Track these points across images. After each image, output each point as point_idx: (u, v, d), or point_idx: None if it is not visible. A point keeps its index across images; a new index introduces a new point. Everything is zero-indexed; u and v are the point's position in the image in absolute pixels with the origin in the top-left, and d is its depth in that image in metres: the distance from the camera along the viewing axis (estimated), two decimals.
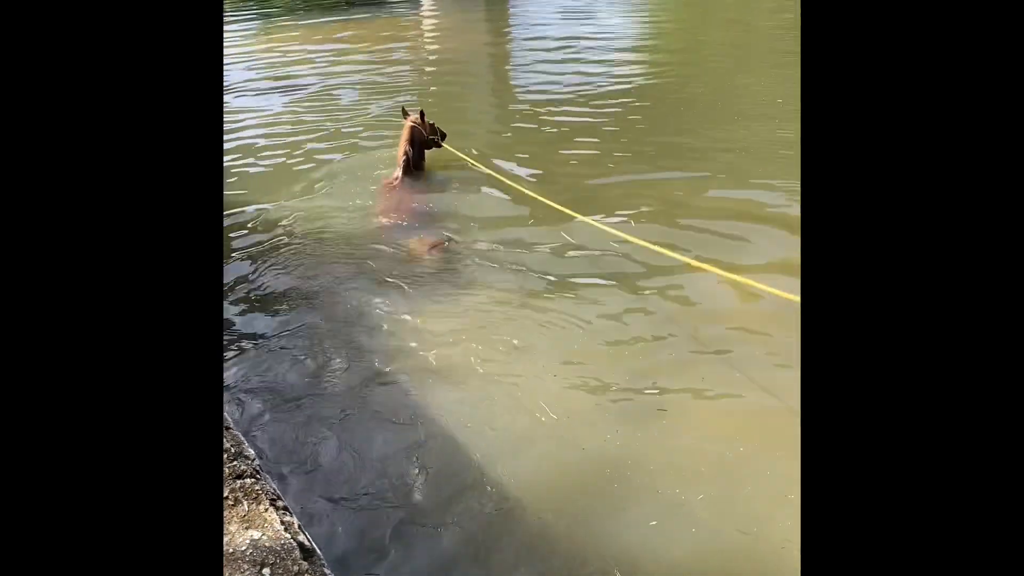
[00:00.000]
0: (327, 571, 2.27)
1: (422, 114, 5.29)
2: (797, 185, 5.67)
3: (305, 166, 6.20)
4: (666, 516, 2.67)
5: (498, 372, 3.50)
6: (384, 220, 4.90)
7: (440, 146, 5.41)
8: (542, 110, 7.72)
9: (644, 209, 5.04)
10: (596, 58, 9.99)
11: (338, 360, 3.63)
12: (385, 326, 3.89)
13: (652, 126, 7.05)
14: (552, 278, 4.15)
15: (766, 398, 3.19)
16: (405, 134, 5.16)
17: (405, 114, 5.30)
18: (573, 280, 4.13)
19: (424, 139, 5.24)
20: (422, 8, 15.81)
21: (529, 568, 2.50)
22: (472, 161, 5.35)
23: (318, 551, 2.40)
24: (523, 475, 2.87)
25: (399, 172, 5.09)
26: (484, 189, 5.35)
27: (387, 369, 3.55)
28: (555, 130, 7.01)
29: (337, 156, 6.37)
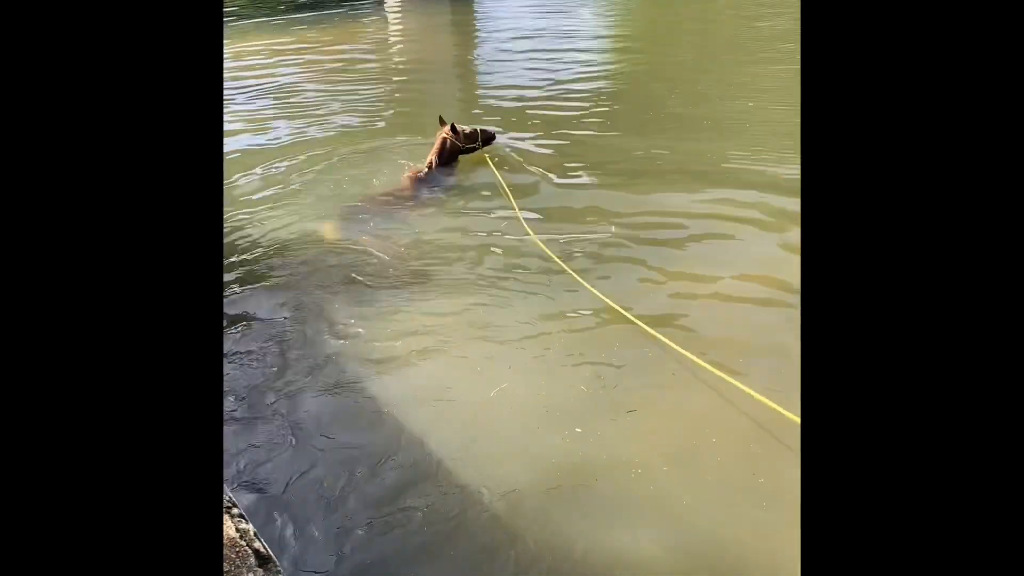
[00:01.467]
0: None
1: (453, 127, 5.74)
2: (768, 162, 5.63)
3: (262, 171, 6.32)
4: (634, 511, 2.69)
5: (461, 371, 3.52)
6: (383, 199, 5.40)
7: (476, 150, 5.83)
8: (509, 104, 7.95)
9: (616, 215, 5.08)
10: (564, 55, 10.13)
11: (297, 358, 3.68)
12: (347, 329, 3.91)
13: (619, 124, 7.18)
14: (518, 281, 4.24)
15: (731, 391, 3.23)
16: (437, 142, 5.77)
17: (442, 122, 5.80)
18: (538, 282, 4.22)
19: (457, 148, 5.79)
20: (387, 7, 15.74)
21: (493, 566, 2.51)
22: (492, 165, 5.65)
23: (274, 558, 2.40)
24: (487, 472, 2.88)
25: (424, 170, 5.67)
26: (485, 193, 5.44)
27: (349, 370, 3.56)
28: (523, 122, 7.18)
29: (296, 159, 6.47)
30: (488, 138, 5.91)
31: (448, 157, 5.75)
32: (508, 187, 5.27)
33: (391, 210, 5.21)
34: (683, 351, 3.40)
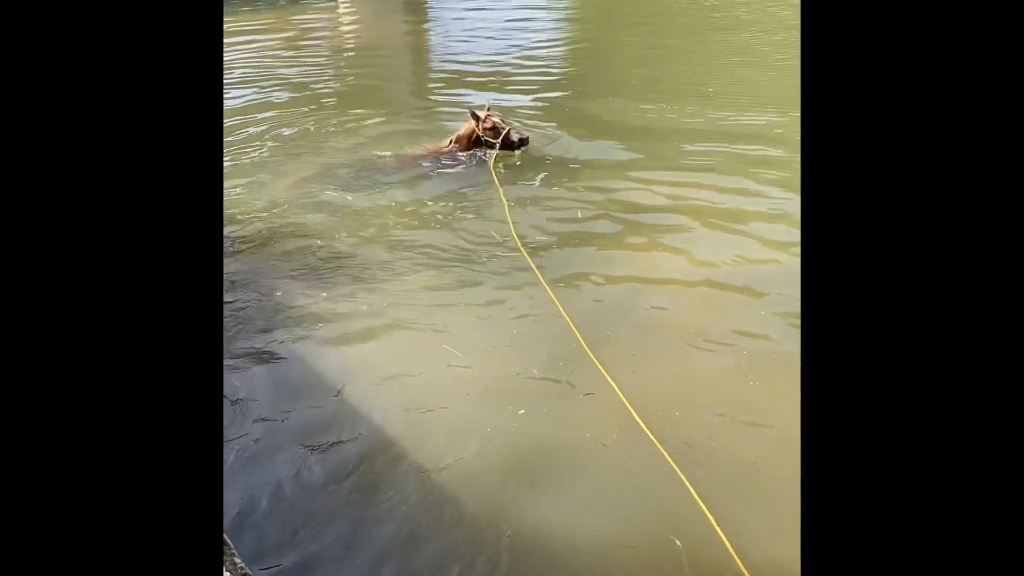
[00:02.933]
0: None
1: (474, 113, 5.69)
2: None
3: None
4: (581, 494, 2.72)
5: (413, 355, 3.53)
6: (381, 161, 5.73)
7: (493, 146, 5.62)
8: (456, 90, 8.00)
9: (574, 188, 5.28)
10: (519, 40, 10.16)
11: (239, 333, 3.70)
12: (303, 311, 3.91)
13: (577, 101, 7.41)
14: (479, 269, 4.26)
15: (676, 373, 3.32)
16: (461, 129, 5.80)
17: (474, 116, 5.70)
18: (496, 272, 4.23)
19: (478, 138, 5.70)
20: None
21: (439, 547, 2.53)
22: (492, 168, 5.49)
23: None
24: (434, 450, 2.91)
25: (443, 148, 5.79)
26: (478, 186, 5.43)
27: (303, 351, 3.57)
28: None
29: (247, 149, 6.48)
30: (511, 142, 5.62)
31: (467, 143, 5.71)
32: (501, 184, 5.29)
33: (378, 173, 5.51)
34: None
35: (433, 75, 9.17)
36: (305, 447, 2.96)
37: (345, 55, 10.30)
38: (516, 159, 5.64)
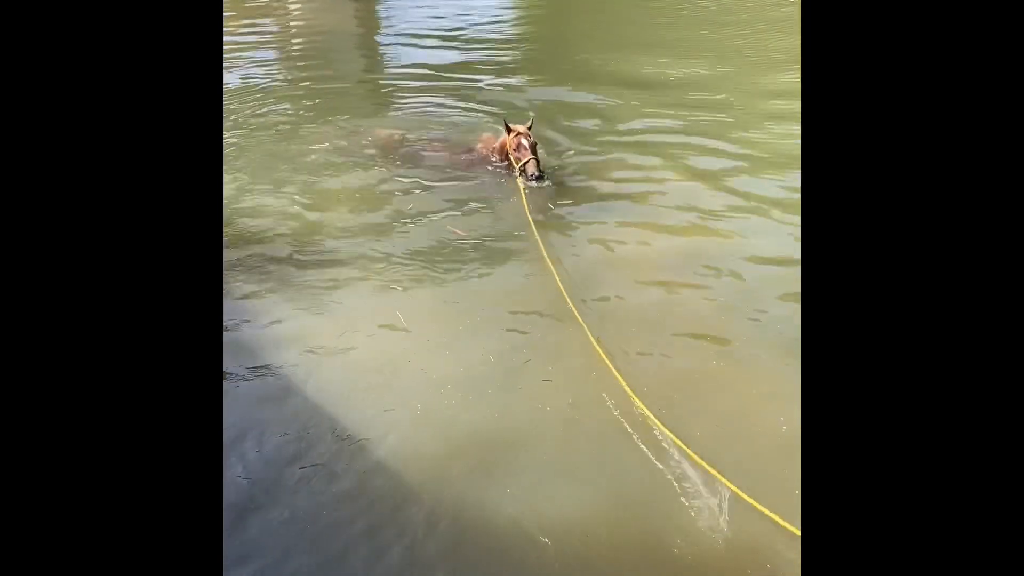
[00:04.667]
0: None
1: (508, 130, 5.21)
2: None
3: None
4: (542, 476, 2.77)
5: (373, 345, 3.56)
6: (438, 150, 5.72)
7: (511, 165, 5.17)
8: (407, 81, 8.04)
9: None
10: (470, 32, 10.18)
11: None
12: (264, 307, 3.93)
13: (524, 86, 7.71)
14: (441, 261, 4.33)
15: (635, 360, 3.38)
16: (493, 140, 5.47)
17: (507, 128, 5.22)
18: (456, 264, 4.32)
19: (501, 150, 5.30)
20: None
21: (396, 525, 2.56)
22: (522, 189, 5.02)
23: None
24: (397, 442, 2.93)
25: (474, 151, 5.56)
26: (495, 196, 5.13)
27: (262, 346, 3.59)
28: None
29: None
30: (525, 172, 5.02)
31: (502, 155, 5.28)
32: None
33: (424, 158, 5.54)
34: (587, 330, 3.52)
35: (384, 50, 9.27)
36: (267, 436, 2.98)
37: (294, 41, 10.27)
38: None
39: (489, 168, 5.40)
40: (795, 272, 3.79)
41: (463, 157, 5.57)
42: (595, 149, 5.84)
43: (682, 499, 2.64)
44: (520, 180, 4.96)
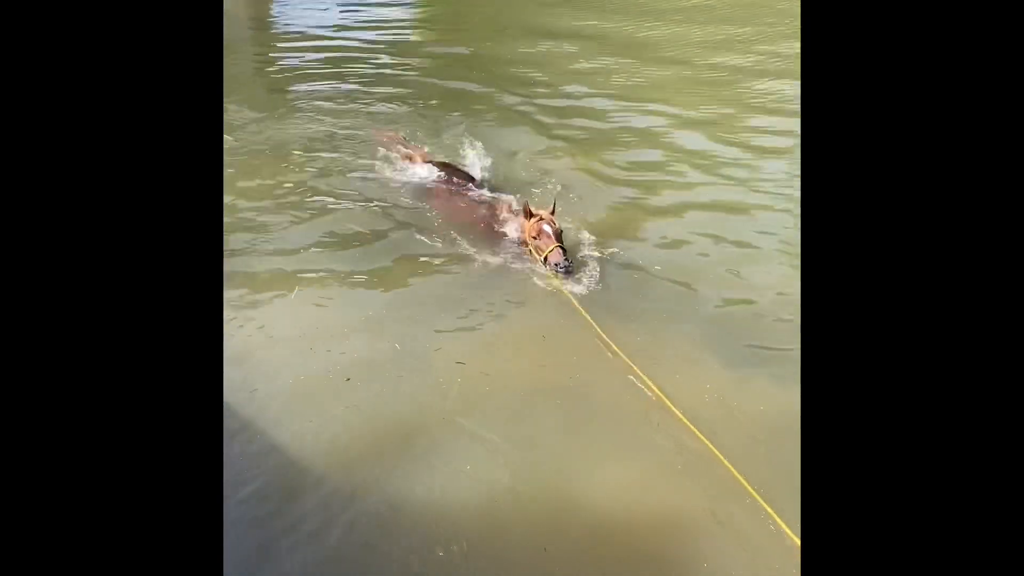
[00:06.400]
0: None
1: (528, 215, 4.37)
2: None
3: None
4: (467, 458, 2.83)
5: (287, 333, 3.57)
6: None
7: (524, 243, 4.40)
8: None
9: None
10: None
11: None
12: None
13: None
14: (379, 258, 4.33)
15: (556, 337, 3.47)
16: (525, 220, 4.43)
17: (527, 213, 4.38)
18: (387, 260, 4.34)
19: (525, 233, 4.39)
20: None
21: (299, 503, 2.60)
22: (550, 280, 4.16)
23: None
24: (313, 430, 2.94)
25: (503, 213, 4.69)
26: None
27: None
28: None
29: None
30: (549, 261, 4.17)
31: (535, 235, 4.32)
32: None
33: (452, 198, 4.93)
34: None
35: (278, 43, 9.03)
36: None
37: None
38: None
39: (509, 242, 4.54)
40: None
41: (481, 218, 4.70)
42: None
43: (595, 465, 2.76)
44: (546, 271, 4.14)
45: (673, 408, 3.04)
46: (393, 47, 8.54)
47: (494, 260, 4.29)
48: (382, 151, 5.52)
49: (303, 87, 7.15)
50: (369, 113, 6.43)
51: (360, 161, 5.43)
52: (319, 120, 6.19)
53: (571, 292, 3.87)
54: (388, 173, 5.24)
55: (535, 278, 4.08)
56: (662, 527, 2.58)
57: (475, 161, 5.47)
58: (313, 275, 4.05)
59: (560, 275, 4.05)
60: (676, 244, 4.53)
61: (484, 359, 3.39)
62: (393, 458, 2.83)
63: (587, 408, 3.10)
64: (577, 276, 4.04)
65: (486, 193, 4.95)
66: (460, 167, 5.24)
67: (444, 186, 5.04)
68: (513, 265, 4.26)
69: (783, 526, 2.51)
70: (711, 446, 2.84)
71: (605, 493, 2.69)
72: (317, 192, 4.94)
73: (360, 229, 4.54)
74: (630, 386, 3.20)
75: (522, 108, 6.54)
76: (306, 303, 3.80)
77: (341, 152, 5.60)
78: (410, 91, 6.98)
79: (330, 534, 2.51)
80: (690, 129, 6.13)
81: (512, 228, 4.53)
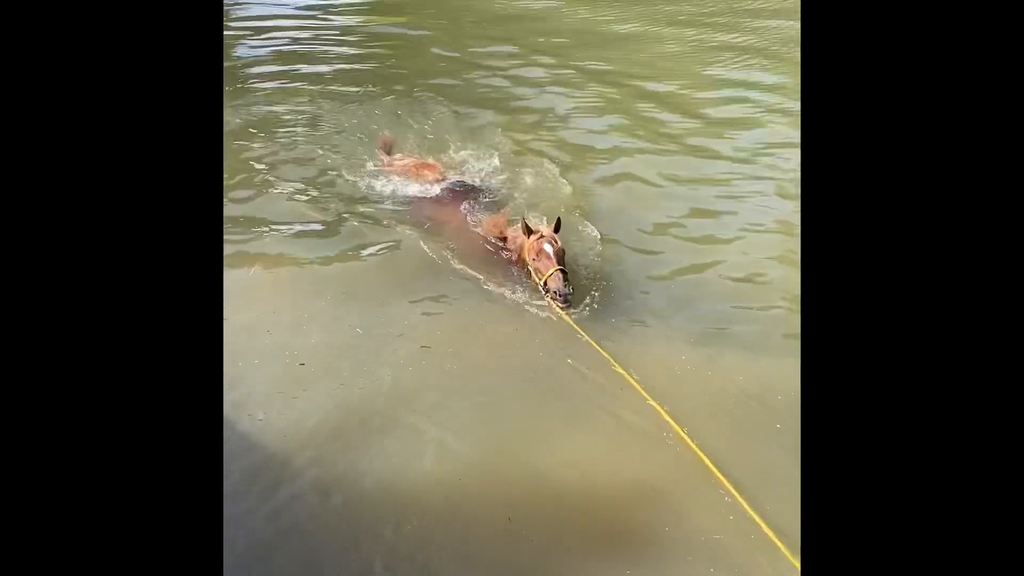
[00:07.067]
0: None
1: (528, 231, 3.87)
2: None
3: None
4: (415, 441, 2.88)
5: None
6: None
7: (525, 264, 3.93)
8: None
9: None
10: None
11: None
12: None
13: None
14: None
15: (507, 321, 3.50)
16: (519, 237, 3.98)
17: (527, 230, 3.88)
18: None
19: (521, 252, 3.97)
20: None
21: (260, 485, 2.64)
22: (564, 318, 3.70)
23: None
24: (276, 413, 2.96)
25: (512, 231, 4.12)
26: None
27: None
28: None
29: None
30: (547, 288, 3.70)
31: (520, 261, 3.97)
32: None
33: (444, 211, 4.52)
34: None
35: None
36: None
37: None
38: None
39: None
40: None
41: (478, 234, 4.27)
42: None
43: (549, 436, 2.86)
44: (547, 299, 3.68)
45: (633, 382, 3.10)
46: (353, 32, 8.33)
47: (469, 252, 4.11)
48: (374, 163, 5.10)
49: (256, 70, 6.99)
50: (331, 95, 6.26)
51: (326, 150, 5.30)
52: (280, 105, 6.04)
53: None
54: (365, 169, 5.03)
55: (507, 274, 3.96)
56: (623, 495, 2.68)
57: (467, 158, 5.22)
58: (273, 259, 4.03)
59: (559, 305, 3.56)
60: (642, 223, 4.52)
61: (450, 342, 3.41)
62: (358, 437, 2.88)
63: (551, 385, 3.16)
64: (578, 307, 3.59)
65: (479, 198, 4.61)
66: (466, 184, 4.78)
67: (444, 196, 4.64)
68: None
69: (736, 495, 2.58)
70: (671, 420, 2.91)
71: (568, 465, 2.78)
72: (278, 177, 4.86)
73: (323, 216, 4.47)
74: (594, 362, 3.25)
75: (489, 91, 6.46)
76: (263, 287, 3.78)
77: (308, 141, 5.42)
78: (372, 75, 6.78)
79: (290, 514, 2.55)
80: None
81: (509, 241, 4.05)
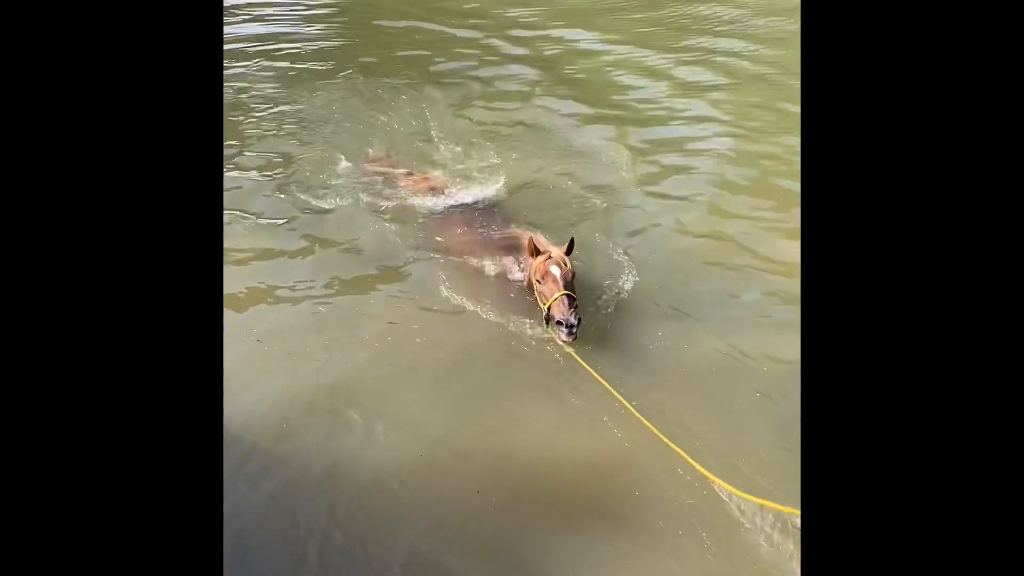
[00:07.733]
0: None
1: (535, 252, 3.57)
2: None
3: None
4: (401, 414, 2.94)
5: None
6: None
7: (528, 284, 3.63)
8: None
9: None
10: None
11: None
12: None
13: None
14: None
15: (468, 307, 3.51)
16: (534, 258, 3.56)
17: (533, 250, 3.58)
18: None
19: (529, 271, 3.58)
20: None
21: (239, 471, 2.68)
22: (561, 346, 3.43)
23: None
24: (244, 395, 2.97)
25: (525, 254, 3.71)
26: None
27: None
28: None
29: None
30: (550, 316, 3.33)
31: (528, 282, 3.64)
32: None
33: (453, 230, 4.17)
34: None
35: None
36: None
37: None
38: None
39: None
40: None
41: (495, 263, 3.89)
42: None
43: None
44: (548, 330, 3.35)
45: (584, 364, 3.11)
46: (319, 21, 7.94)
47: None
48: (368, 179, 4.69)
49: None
50: (293, 77, 6.11)
51: (294, 138, 5.20)
52: (247, 93, 5.88)
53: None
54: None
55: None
56: (591, 468, 2.75)
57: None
58: (239, 249, 4.00)
59: (561, 338, 3.20)
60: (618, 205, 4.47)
61: (416, 321, 3.44)
62: (328, 417, 2.92)
63: (519, 363, 3.20)
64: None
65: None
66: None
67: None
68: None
69: (700, 468, 2.62)
70: (623, 399, 2.95)
71: (536, 441, 2.83)
72: (239, 167, 4.78)
73: (292, 209, 4.37)
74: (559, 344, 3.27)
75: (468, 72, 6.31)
76: (229, 271, 3.76)
77: (278, 130, 5.30)
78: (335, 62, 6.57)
79: (264, 489, 2.60)
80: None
81: (513, 262, 3.75)
